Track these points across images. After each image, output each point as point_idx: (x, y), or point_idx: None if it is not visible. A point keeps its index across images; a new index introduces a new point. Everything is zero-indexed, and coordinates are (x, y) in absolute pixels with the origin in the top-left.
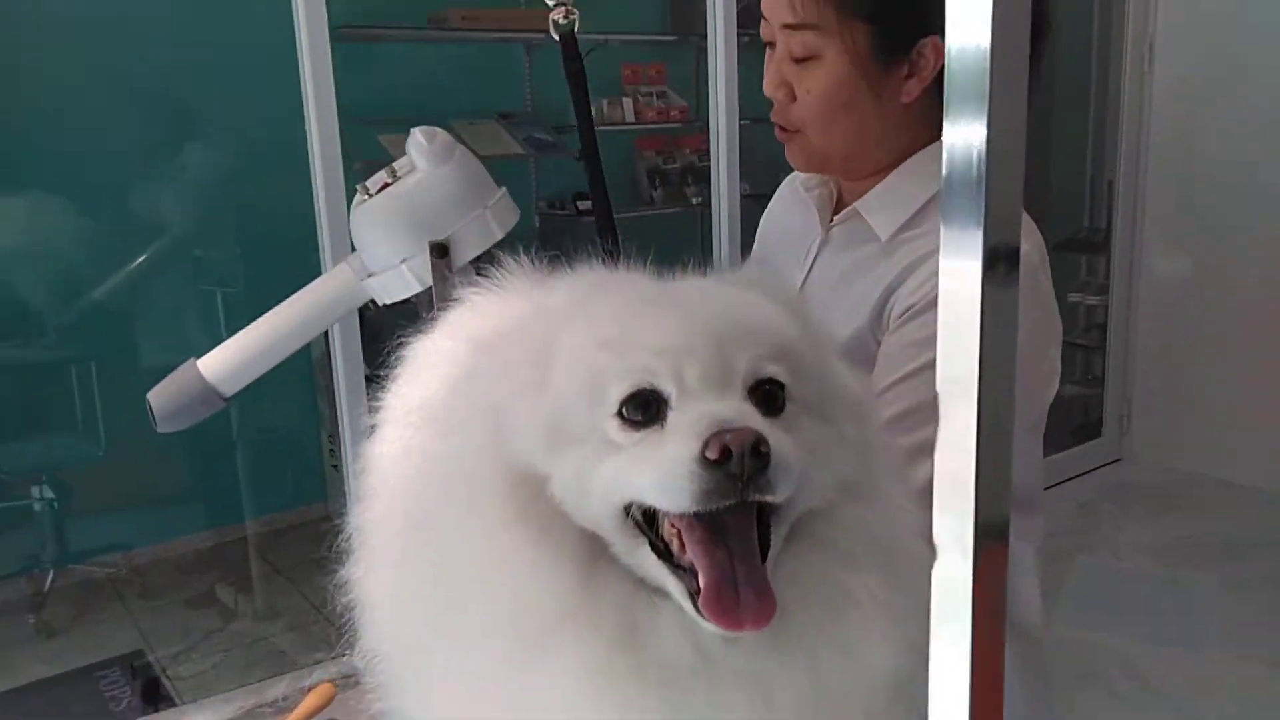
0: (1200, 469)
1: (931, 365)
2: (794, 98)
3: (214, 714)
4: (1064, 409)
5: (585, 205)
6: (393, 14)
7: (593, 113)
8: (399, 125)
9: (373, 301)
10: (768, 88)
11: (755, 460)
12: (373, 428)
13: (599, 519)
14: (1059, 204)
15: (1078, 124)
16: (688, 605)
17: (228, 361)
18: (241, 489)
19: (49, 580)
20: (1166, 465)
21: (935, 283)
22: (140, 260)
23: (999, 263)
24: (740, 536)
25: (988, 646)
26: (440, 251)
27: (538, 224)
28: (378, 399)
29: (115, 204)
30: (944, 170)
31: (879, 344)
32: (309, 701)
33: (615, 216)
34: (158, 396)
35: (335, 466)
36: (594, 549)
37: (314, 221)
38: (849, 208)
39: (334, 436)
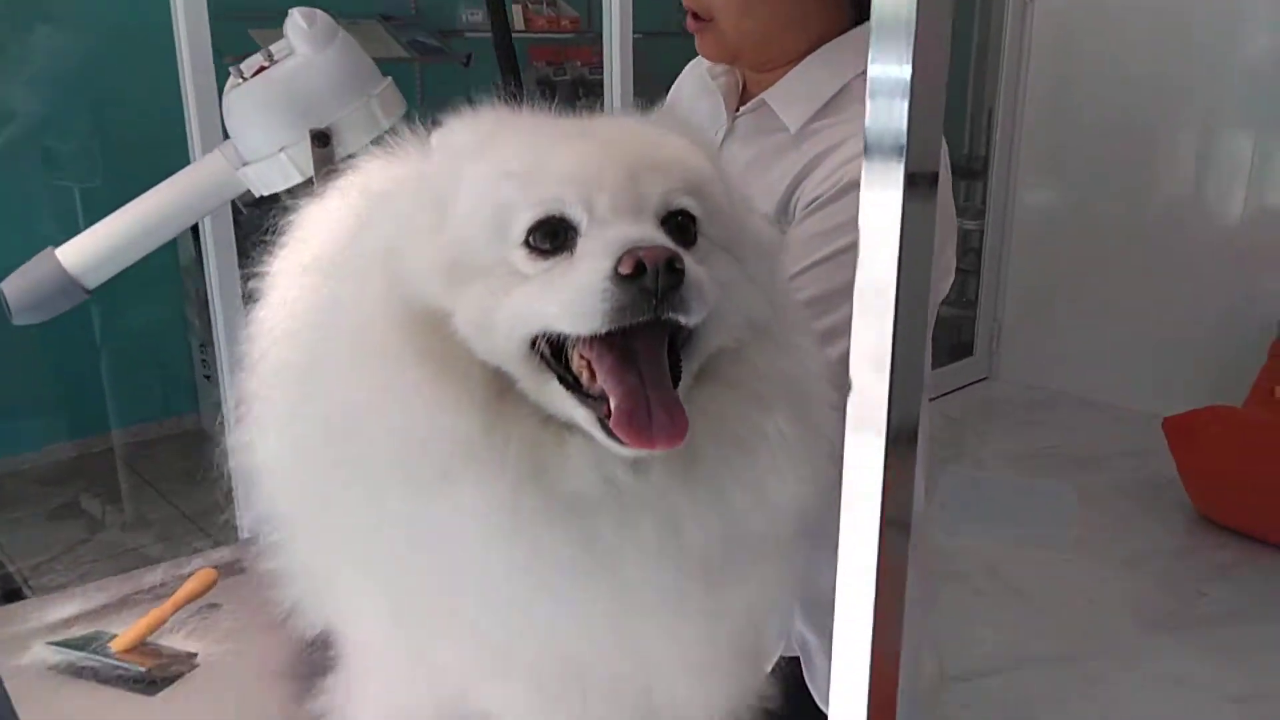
0: (1062, 387)
1: (843, 251)
2: None
3: (86, 601)
4: (938, 329)
5: None
6: None
7: (483, 17)
8: (274, 21)
9: (247, 195)
10: None
11: (670, 275)
12: (248, 325)
13: (505, 354)
14: None
15: (960, 54)
16: (598, 432)
17: (89, 251)
18: (106, 399)
19: None
20: (1031, 383)
21: (843, 173)
22: None
23: (920, 184)
24: (651, 361)
25: (892, 553)
26: (322, 140)
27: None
28: (252, 296)
29: None
30: (868, 95)
31: (783, 235)
32: (189, 586)
33: None
34: (12, 286)
35: (208, 377)
36: (499, 386)
37: (182, 117)
38: (756, 98)
39: (205, 346)
